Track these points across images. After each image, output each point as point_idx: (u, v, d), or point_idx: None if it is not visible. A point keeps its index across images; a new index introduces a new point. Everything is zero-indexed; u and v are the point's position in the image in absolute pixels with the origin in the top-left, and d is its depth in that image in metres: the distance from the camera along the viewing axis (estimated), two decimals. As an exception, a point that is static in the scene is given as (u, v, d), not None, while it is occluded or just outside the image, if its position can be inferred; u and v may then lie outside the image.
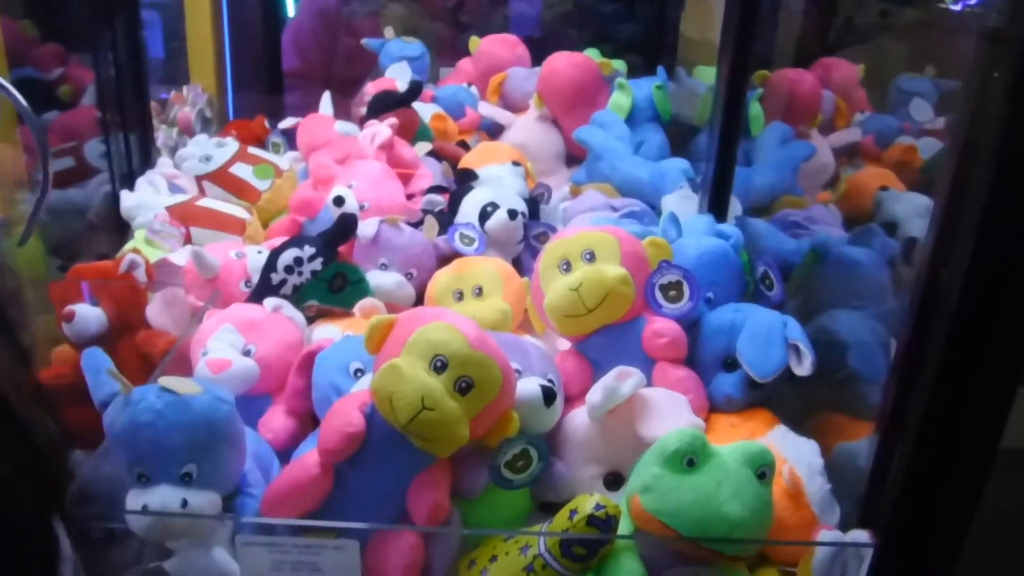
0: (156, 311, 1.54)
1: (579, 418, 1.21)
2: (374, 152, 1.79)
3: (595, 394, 1.16)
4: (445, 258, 1.65)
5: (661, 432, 1.11)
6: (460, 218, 1.73)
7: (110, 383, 1.08)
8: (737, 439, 1.20)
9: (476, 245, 1.67)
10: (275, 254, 1.46)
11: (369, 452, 1.10)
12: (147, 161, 1.95)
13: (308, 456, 1.10)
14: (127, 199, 1.72)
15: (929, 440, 1.00)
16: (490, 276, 1.53)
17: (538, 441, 1.14)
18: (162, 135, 2.34)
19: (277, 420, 1.27)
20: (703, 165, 1.83)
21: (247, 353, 1.29)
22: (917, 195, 1.86)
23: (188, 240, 1.69)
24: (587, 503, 1.01)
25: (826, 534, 1.06)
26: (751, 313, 1.30)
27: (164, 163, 1.96)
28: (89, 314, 1.46)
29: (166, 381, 1.05)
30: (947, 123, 2.18)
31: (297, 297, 1.46)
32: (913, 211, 1.78)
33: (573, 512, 1.02)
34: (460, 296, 1.53)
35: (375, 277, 1.58)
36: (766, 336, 1.26)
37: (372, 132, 1.82)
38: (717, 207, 1.76)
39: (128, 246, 1.64)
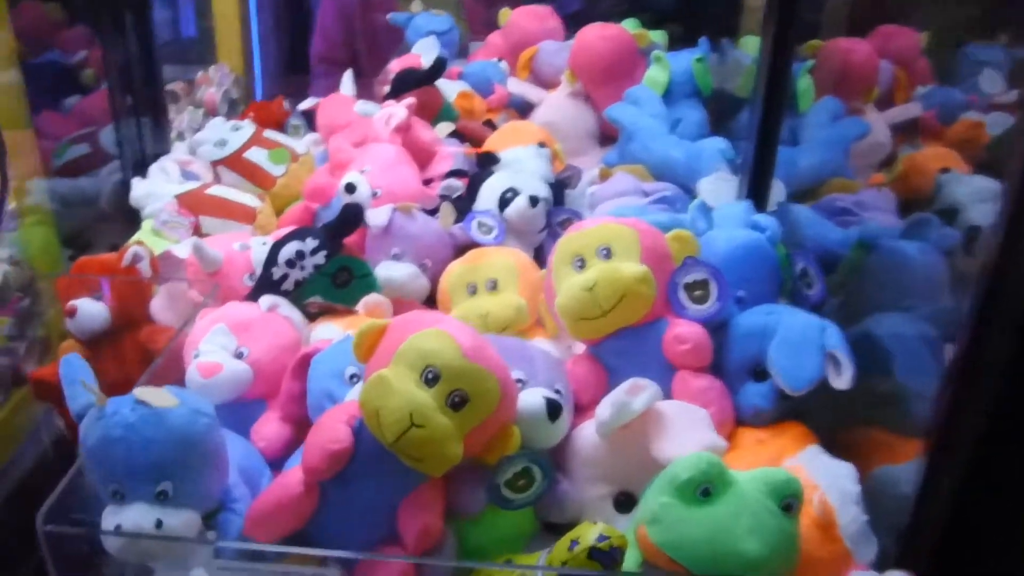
0: (160, 306, 1.48)
1: (588, 432, 1.11)
2: (389, 134, 1.70)
3: (604, 409, 1.06)
4: (463, 248, 1.56)
5: (676, 453, 1.00)
6: (479, 205, 1.63)
7: (85, 394, 1.00)
8: (764, 457, 1.09)
9: (495, 234, 1.57)
10: (276, 247, 1.38)
11: (357, 469, 1.01)
12: (161, 147, 1.88)
13: (291, 473, 1.02)
14: (137, 187, 1.66)
15: (985, 465, 0.88)
16: (505, 268, 1.44)
17: (541, 458, 1.04)
18: (188, 116, 2.28)
19: (271, 427, 1.19)
20: (745, 145, 1.70)
21: (240, 356, 1.21)
22: (983, 178, 1.70)
23: (197, 230, 1.62)
24: (589, 533, 0.92)
25: (859, 575, 0.94)
26: (785, 316, 1.18)
27: (179, 148, 1.89)
28: (92, 309, 1.41)
29: (141, 392, 0.98)
30: (1020, 96, 2.00)
31: (300, 292, 1.37)
32: (977, 196, 1.61)
33: (574, 542, 0.92)
34: (474, 290, 1.44)
35: (387, 268, 1.49)
36: (800, 343, 1.14)
37: (387, 113, 1.72)
38: (757, 191, 1.63)
39: (135, 238, 1.57)
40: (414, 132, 1.76)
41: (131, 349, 1.43)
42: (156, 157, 1.83)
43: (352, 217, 1.41)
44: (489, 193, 1.64)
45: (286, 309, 1.29)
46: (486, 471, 1.03)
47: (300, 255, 1.37)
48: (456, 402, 0.97)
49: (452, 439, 0.97)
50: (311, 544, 1.06)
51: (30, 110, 1.66)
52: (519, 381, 1.10)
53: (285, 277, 1.37)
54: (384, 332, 1.04)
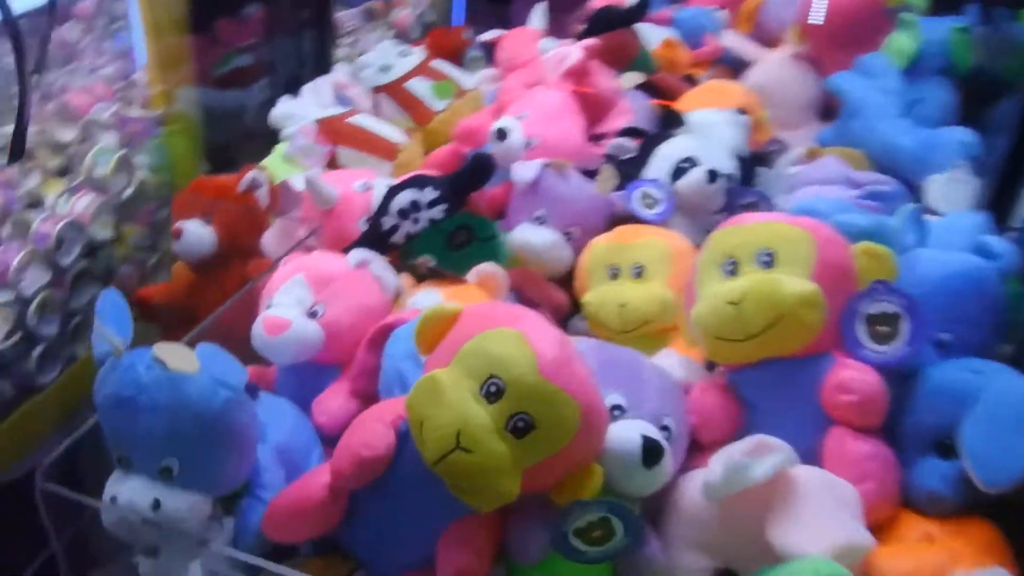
0: (273, 240, 1.35)
1: (698, 484, 0.86)
2: (558, 78, 1.47)
3: (715, 468, 0.80)
4: (619, 220, 1.32)
5: (799, 545, 0.75)
6: (649, 172, 1.38)
7: (110, 337, 0.87)
8: (927, 563, 0.81)
9: (659, 209, 1.32)
10: (391, 193, 1.21)
11: (398, 481, 0.84)
12: (322, 66, 1.75)
13: (319, 473, 0.85)
14: (280, 106, 1.53)
15: None
16: (657, 253, 1.20)
17: (627, 510, 0.81)
18: (376, 36, 2.16)
19: (336, 401, 1.03)
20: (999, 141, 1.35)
21: (314, 314, 1.05)
22: None
23: (332, 160, 1.48)
24: None
25: None
26: (998, 379, 0.87)
27: (341, 70, 1.75)
28: (198, 232, 1.31)
29: (161, 350, 0.83)
30: None
31: (409, 248, 1.20)
32: None
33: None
34: (615, 273, 1.21)
35: (525, 231, 1.29)
36: (1014, 421, 0.83)
37: (560, 53, 1.49)
38: (1001, 202, 1.29)
39: (265, 161, 1.45)
40: (591, 79, 1.52)
41: (235, 281, 1.31)
42: (315, 77, 1.70)
43: (481, 169, 1.21)
44: (662, 160, 1.38)
45: (379, 268, 1.11)
46: (555, 512, 0.82)
47: (415, 206, 1.19)
48: (519, 427, 0.77)
49: (506, 473, 0.76)
50: (343, 554, 0.90)
51: (208, 16, 1.58)
52: (616, 408, 0.87)
53: (395, 228, 1.19)
54: (453, 321, 0.84)
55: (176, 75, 1.51)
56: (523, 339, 0.79)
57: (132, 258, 1.49)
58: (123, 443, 0.84)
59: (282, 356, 1.04)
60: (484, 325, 0.82)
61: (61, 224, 1.34)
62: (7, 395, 1.26)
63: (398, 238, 1.19)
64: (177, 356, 0.83)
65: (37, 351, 1.29)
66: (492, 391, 0.77)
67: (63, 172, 1.50)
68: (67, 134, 1.49)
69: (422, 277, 1.19)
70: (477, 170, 1.20)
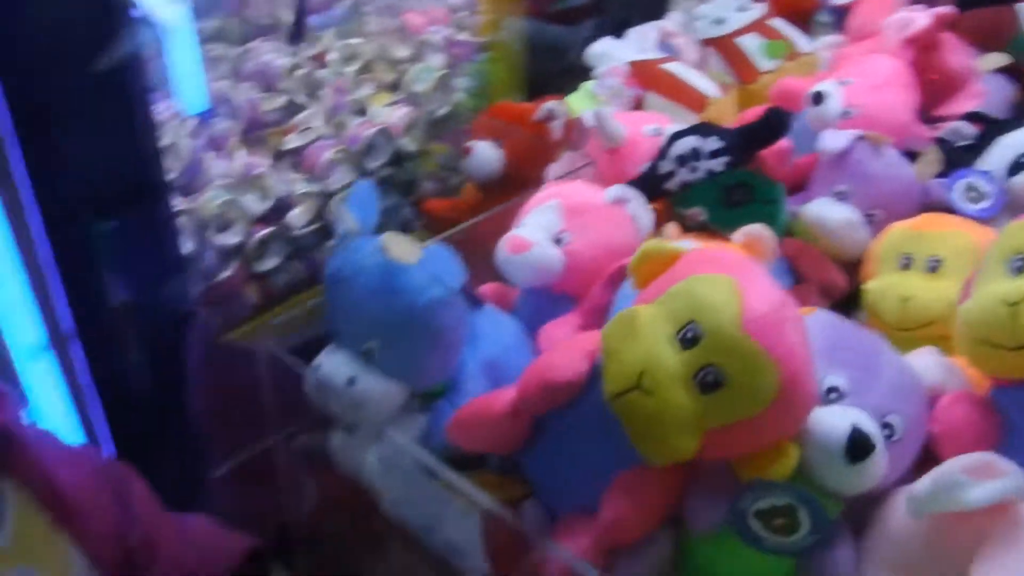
0: (558, 172, 1.35)
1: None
2: (897, 45, 1.30)
3: (925, 480, 0.67)
4: (930, 210, 1.15)
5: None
6: (983, 163, 1.19)
7: (351, 220, 0.91)
8: None
9: (985, 204, 1.14)
10: (673, 138, 1.14)
11: (583, 414, 0.80)
12: (656, 13, 1.70)
13: (510, 389, 0.83)
14: (597, 45, 1.52)
15: None
16: (959, 247, 1.03)
17: (817, 505, 0.71)
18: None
19: (563, 331, 1.01)
20: None
21: (559, 241, 1.03)
22: None
23: (638, 105, 1.44)
24: None
25: None
26: None
27: (673, 18, 1.69)
28: (486, 153, 1.35)
29: (388, 239, 0.86)
30: None
31: (682, 197, 1.13)
32: None
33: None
34: (907, 263, 1.06)
35: (821, 206, 1.17)
36: None
37: (905, 18, 1.32)
38: None
39: (570, 96, 1.45)
40: (940, 53, 1.33)
41: (516, 207, 1.32)
42: (646, 21, 1.66)
43: (773, 124, 1.11)
44: (1002, 151, 1.18)
45: (636, 208, 1.06)
46: (738, 486, 0.73)
47: (695, 154, 1.12)
48: (707, 381, 0.70)
49: (684, 426, 0.70)
50: (522, 479, 0.87)
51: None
52: (833, 391, 0.76)
53: (671, 175, 1.13)
54: (673, 260, 0.78)
55: (509, 5, 1.55)
56: (735, 288, 0.71)
57: (434, 175, 1.56)
58: (336, 318, 0.88)
59: (519, 275, 1.03)
60: (700, 269, 0.75)
61: (374, 130, 1.43)
62: (301, 276, 1.38)
63: (672, 185, 1.13)
64: (402, 247, 0.85)
65: (330, 243, 1.39)
66: (688, 337, 0.71)
67: (394, 87, 1.60)
68: (402, 51, 1.59)
69: (689, 229, 1.12)
70: (769, 124, 1.10)
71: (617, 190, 1.06)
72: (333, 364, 0.86)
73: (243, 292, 1.31)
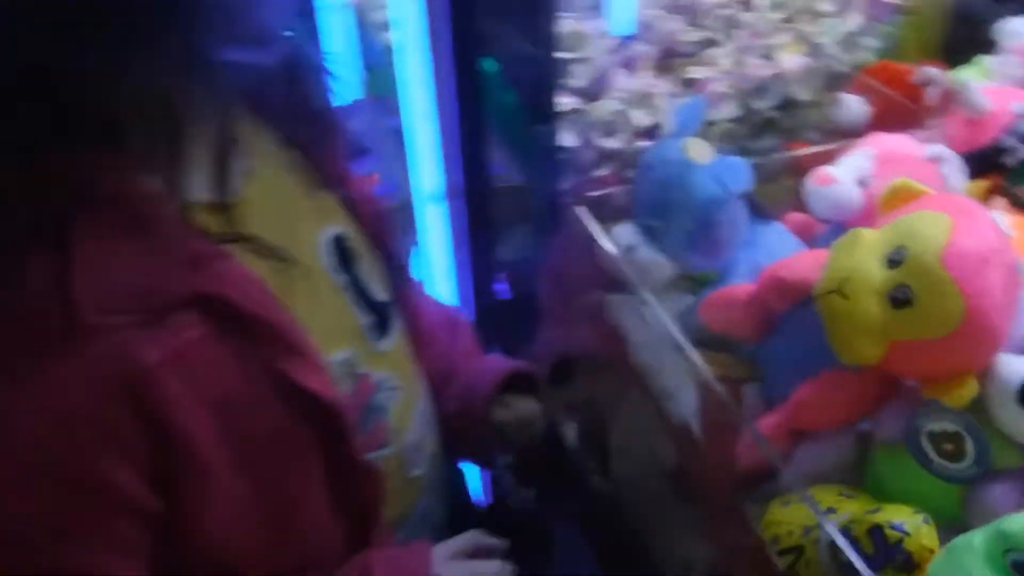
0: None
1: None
2: None
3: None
4: None
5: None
6: None
7: (672, 122, 1.09)
8: None
9: None
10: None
11: (808, 316, 0.90)
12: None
13: (753, 285, 0.96)
14: (1010, 22, 1.46)
15: None
16: None
17: (983, 439, 0.77)
18: None
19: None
20: None
21: (863, 183, 1.10)
22: None
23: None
24: (900, 514, 0.74)
25: None
26: None
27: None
28: (850, 104, 1.43)
29: (688, 141, 1.02)
30: None
31: (1019, 173, 1.13)
32: None
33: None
34: None
35: None
36: None
37: None
38: None
39: (963, 68, 1.44)
40: None
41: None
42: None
43: None
44: None
45: (951, 168, 1.08)
46: (922, 407, 0.81)
47: (1040, 133, 1.11)
48: (898, 298, 0.78)
49: (869, 333, 0.80)
50: (755, 367, 1.00)
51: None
52: (1028, 340, 0.78)
53: (1010, 150, 1.13)
54: (915, 197, 0.85)
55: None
56: (950, 226, 0.78)
57: (819, 126, 1.63)
58: (637, 198, 1.06)
59: (818, 207, 1.11)
60: (930, 207, 0.82)
61: (770, 73, 1.55)
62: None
63: (1009, 160, 1.14)
64: (699, 149, 1.01)
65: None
66: (895, 259, 0.79)
67: (807, 39, 1.69)
68: (827, 5, 1.67)
69: (1018, 205, 1.12)
70: None
71: (937, 148, 1.10)
72: (621, 232, 1.04)
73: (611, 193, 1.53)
